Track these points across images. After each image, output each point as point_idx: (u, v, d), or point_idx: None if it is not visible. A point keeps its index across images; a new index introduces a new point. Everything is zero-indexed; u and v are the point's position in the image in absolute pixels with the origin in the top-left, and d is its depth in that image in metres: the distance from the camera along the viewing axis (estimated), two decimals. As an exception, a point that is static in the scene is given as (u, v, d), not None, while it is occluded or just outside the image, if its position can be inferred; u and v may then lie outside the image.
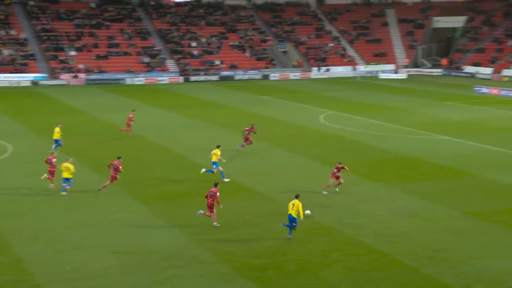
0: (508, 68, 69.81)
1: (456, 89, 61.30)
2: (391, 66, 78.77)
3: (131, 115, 38.21)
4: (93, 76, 69.67)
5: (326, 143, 35.23)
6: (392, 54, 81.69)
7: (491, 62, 73.31)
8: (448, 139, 37.30)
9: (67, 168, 25.70)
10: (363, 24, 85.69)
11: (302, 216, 21.14)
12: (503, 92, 56.06)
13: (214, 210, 22.13)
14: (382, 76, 74.72)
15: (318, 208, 24.37)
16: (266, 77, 73.91)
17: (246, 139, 33.36)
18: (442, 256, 19.64)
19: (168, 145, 35.65)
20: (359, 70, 77.77)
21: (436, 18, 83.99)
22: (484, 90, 57.58)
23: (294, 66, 76.83)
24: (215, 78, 72.50)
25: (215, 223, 22.26)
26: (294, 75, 74.77)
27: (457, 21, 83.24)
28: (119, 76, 70.33)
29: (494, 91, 56.80)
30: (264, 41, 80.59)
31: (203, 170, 28.33)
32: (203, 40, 78.92)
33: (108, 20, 78.88)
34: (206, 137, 37.94)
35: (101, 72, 70.90)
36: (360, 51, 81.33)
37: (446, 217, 23.30)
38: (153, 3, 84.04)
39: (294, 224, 21.06)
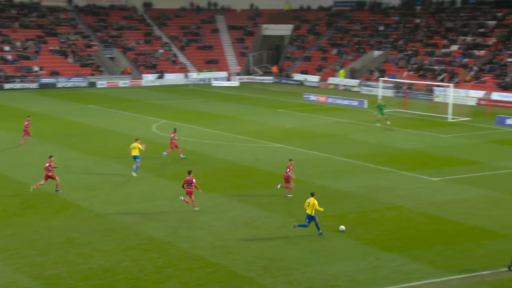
0: (333, 76, 74.03)
1: (287, 97, 63.82)
2: (223, 74, 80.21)
3: None
4: None
5: (159, 154, 34.95)
6: (224, 61, 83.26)
7: (317, 70, 77.32)
8: (281, 147, 38.65)
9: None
10: (193, 30, 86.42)
11: (318, 208, 22.77)
12: (330, 100, 59.29)
13: (193, 196, 25.25)
14: (215, 83, 75.84)
15: (151, 222, 24.09)
16: (92, 84, 71.89)
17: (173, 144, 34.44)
18: (277, 265, 20.25)
19: (-16, 161, 33.36)
20: (191, 77, 78.31)
21: (264, 26, 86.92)
22: (313, 97, 60.50)
23: (122, 73, 75.53)
24: (34, 85, 69.12)
25: (195, 208, 25.33)
26: (124, 82, 73.48)
27: (284, 29, 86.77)
28: None
29: (322, 98, 59.88)
30: (89, 46, 78.29)
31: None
32: (18, 44, 74.91)
33: None
34: (27, 151, 36.02)
35: None
36: (192, 58, 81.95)
37: (280, 225, 24.09)
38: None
39: (315, 221, 22.60)
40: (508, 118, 46.02)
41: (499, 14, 69.47)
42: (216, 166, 33.35)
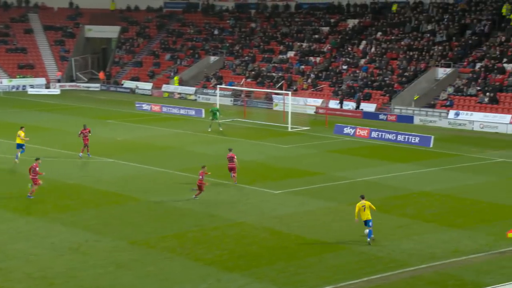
0: (167, 83, 74.07)
1: (116, 106, 62.88)
2: (41, 80, 77.22)
3: None
4: None
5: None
6: (42, 66, 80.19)
7: (150, 77, 76.96)
8: (112, 162, 37.96)
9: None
10: (1, 30, 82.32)
11: (374, 208, 24.39)
12: (164, 109, 59.23)
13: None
14: (32, 91, 72.96)
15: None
16: None
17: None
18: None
19: None
20: (2, 84, 74.56)
21: (87, 27, 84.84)
22: (146, 106, 60.10)
23: None
24: None
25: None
26: None
27: (111, 31, 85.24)
28: None
29: (156, 107, 59.65)
30: None
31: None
32: None
33: None
34: None
35: None
36: (1, 62, 78.06)
37: (111, 248, 23.60)
38: None
39: (371, 224, 24.00)
40: (346, 127, 48.64)
41: (332, 20, 73.43)
42: (39, 187, 31.95)
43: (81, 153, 38.59)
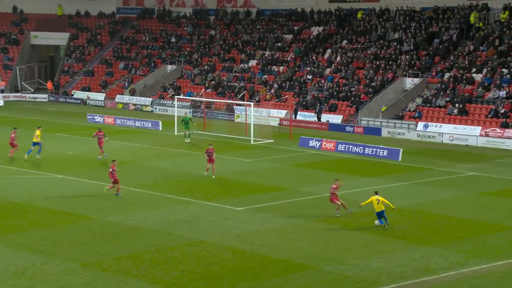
0: (121, 93, 73.68)
1: (66, 118, 62.30)
2: (-17, 90, 76.34)
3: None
4: None
5: None
6: (-16, 75, 79.22)
7: (102, 87, 76.51)
8: (61, 178, 37.58)
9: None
10: None
11: (392, 206, 28.75)
12: (119, 121, 58.90)
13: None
14: (-27, 103, 72.15)
15: None
16: None
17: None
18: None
19: None
20: None
21: (33, 33, 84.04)
22: (98, 118, 59.69)
23: None
24: None
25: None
26: None
27: (59, 38, 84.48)
28: None
29: (109, 119, 59.29)
30: None
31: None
32: None
33: None
34: None
35: None
36: None
37: (61, 272, 23.31)
38: None
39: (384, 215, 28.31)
40: (311, 139, 48.97)
41: (296, 28, 74.00)
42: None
43: (99, 156, 42.75)
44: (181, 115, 57.36)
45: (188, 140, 49.47)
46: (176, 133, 53.09)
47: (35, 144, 42.52)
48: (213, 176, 37.68)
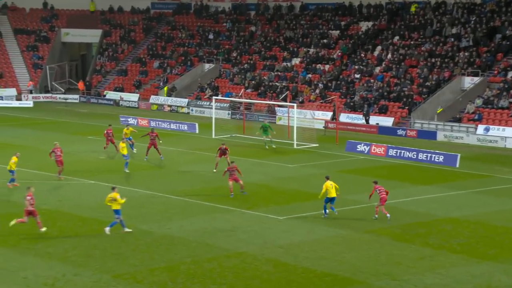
0: (156, 94, 74.20)
1: (99, 120, 62.93)
2: (11, 91, 77.34)
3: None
4: None
5: None
6: (12, 75, 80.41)
7: (136, 87, 77.15)
8: (93, 184, 37.91)
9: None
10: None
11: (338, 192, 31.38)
12: (153, 123, 59.09)
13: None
14: (0, 104, 73.02)
15: None
16: None
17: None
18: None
19: None
20: (-36, 95, 74.92)
21: (64, 31, 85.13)
22: (131, 120, 60.14)
23: None
24: None
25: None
26: None
27: (91, 35, 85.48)
28: None
29: (143, 122, 59.71)
30: None
31: None
32: None
33: None
34: None
35: None
36: (-36, 70, 78.44)
37: (92, 284, 23.48)
38: None
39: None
40: (359, 143, 48.67)
41: (343, 23, 73.69)
42: (3, 211, 32.08)
43: (146, 157, 44.15)
44: (219, 117, 57.53)
45: (269, 146, 49.24)
46: (214, 137, 53.20)
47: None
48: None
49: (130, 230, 28.96)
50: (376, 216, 31.15)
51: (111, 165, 43.40)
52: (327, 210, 31.50)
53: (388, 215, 30.90)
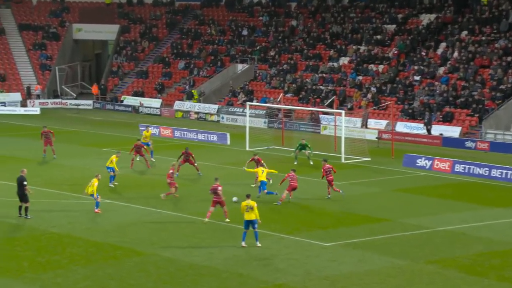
0: (181, 99, 74.41)
1: (115, 130, 63.37)
2: (16, 96, 78.26)
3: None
4: None
5: None
6: (16, 77, 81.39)
7: (158, 91, 77.53)
8: (108, 203, 38.11)
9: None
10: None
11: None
12: (177, 133, 59.48)
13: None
14: (3, 111, 73.90)
15: None
16: None
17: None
18: None
19: None
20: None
21: (76, 26, 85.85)
22: (153, 130, 60.33)
23: None
24: None
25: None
26: None
27: (107, 31, 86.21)
28: None
29: (166, 131, 59.92)
30: None
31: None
32: None
33: None
34: None
35: None
36: (-37, 71, 79.59)
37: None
38: None
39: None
40: (419, 157, 48.35)
41: (400, 16, 73.43)
42: (8, 235, 32.34)
43: (177, 173, 43.46)
44: (254, 125, 57.54)
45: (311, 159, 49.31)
46: (247, 149, 53.21)
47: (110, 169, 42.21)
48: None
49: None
50: (329, 196, 38.56)
51: (129, 181, 43.52)
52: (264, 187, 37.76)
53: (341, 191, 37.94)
